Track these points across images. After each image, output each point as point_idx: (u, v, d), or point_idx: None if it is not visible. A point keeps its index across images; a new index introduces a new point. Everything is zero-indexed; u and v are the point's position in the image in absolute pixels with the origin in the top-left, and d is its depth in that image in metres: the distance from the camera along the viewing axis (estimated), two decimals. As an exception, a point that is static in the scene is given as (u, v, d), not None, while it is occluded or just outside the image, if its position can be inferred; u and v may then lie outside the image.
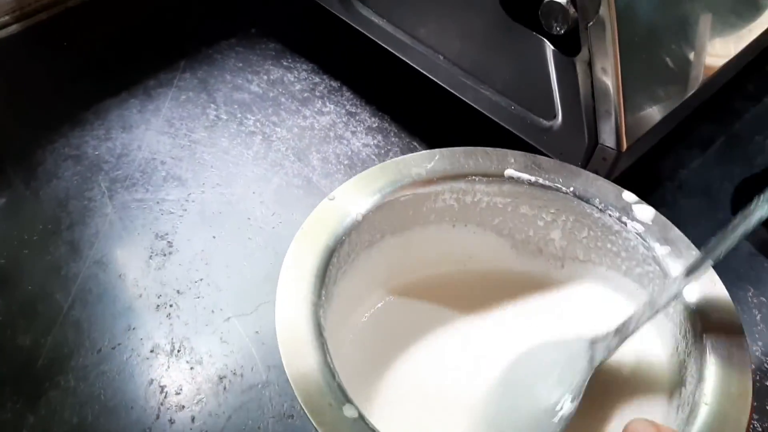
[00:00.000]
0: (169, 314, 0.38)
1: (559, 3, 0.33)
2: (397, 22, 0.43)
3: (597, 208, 0.34)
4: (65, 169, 0.43)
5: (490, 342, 0.35)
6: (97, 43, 0.51)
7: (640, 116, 0.37)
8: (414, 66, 0.44)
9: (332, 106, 0.49)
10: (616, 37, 0.33)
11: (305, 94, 0.49)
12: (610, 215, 0.33)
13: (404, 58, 0.44)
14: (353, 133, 0.47)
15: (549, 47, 0.36)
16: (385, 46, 0.45)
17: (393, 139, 0.47)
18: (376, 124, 0.48)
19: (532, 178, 0.34)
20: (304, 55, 0.52)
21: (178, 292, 0.39)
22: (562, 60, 0.36)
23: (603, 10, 0.33)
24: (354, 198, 0.34)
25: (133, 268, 0.39)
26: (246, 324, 0.37)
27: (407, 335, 0.35)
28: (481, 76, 0.40)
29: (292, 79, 0.50)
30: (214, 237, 0.41)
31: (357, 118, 0.48)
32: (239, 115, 0.48)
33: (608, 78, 0.34)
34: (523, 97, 0.39)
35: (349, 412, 0.26)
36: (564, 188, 0.34)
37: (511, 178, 0.35)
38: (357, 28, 0.46)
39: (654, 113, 0.39)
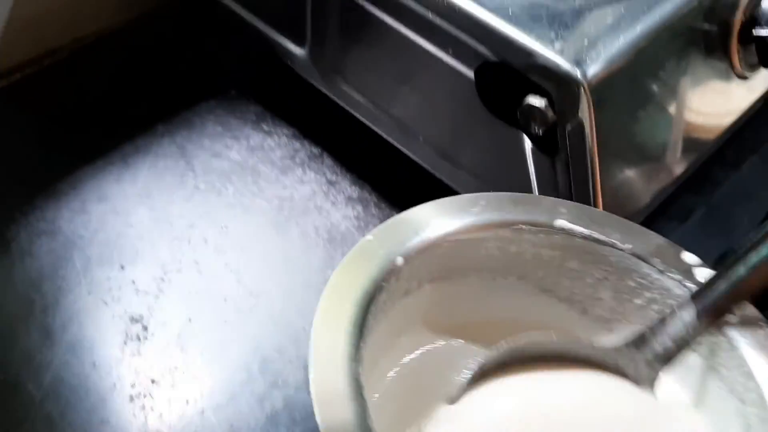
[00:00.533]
0: (143, 405, 0.37)
1: (537, 107, 0.33)
2: (377, 102, 0.43)
3: (657, 268, 0.31)
4: (39, 246, 0.43)
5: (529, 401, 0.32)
6: (74, 105, 0.51)
7: (619, 209, 0.37)
8: (393, 143, 0.44)
9: (312, 174, 0.48)
10: (595, 141, 0.33)
11: (286, 161, 0.49)
12: (671, 277, 0.31)
13: (384, 135, 0.44)
14: (333, 203, 0.47)
15: (528, 143, 0.36)
16: (366, 122, 0.45)
17: (373, 210, 0.47)
18: (356, 194, 0.47)
19: (586, 232, 0.32)
20: (284, 118, 0.51)
21: (152, 381, 0.38)
22: (540, 157, 0.35)
23: (582, 114, 0.33)
24: (394, 240, 0.31)
25: (107, 355, 0.39)
26: (220, 416, 0.37)
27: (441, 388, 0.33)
28: (458, 160, 0.40)
29: (273, 144, 0.50)
30: (189, 320, 0.40)
31: (337, 187, 0.48)
32: (218, 185, 0.47)
33: (588, 179, 0.34)
34: (501, 186, 0.39)
35: None
36: (620, 244, 0.32)
37: (562, 230, 0.32)
38: (338, 102, 0.45)
39: (635, 203, 0.39)
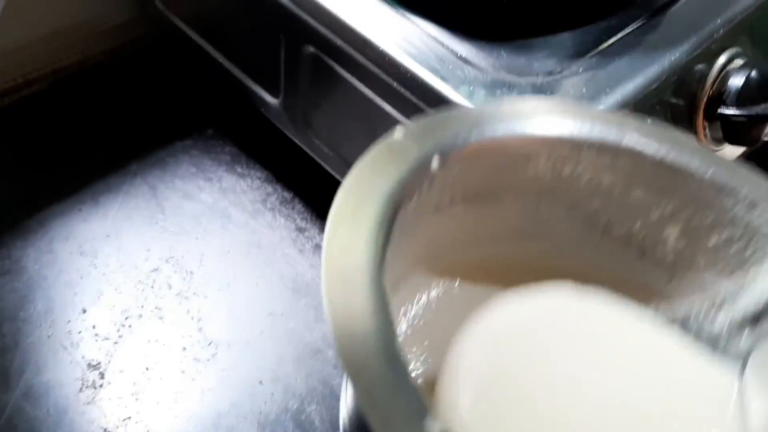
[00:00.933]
0: (94, 457, 0.37)
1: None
2: (345, 158, 0.43)
3: (744, 201, 0.26)
4: (2, 284, 0.43)
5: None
6: (48, 139, 0.51)
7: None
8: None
9: (282, 220, 0.48)
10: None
11: (257, 205, 0.49)
12: (761, 214, 0.26)
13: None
14: (301, 251, 0.47)
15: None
16: (336, 176, 0.45)
17: (340, 260, 0.47)
18: (325, 243, 0.48)
19: (660, 154, 0.26)
20: (260, 161, 0.52)
21: (104, 431, 0.38)
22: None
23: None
24: (429, 140, 0.25)
25: (61, 403, 0.39)
26: (170, 471, 0.37)
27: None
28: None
29: (245, 187, 0.50)
30: (147, 369, 0.41)
31: (306, 234, 0.48)
32: (187, 228, 0.47)
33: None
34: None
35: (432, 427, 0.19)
36: (700, 172, 0.26)
37: (630, 150, 0.26)
38: (310, 153, 0.46)
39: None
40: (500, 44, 0.36)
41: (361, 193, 0.23)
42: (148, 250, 0.46)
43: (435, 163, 0.25)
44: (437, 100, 0.34)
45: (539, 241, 0.29)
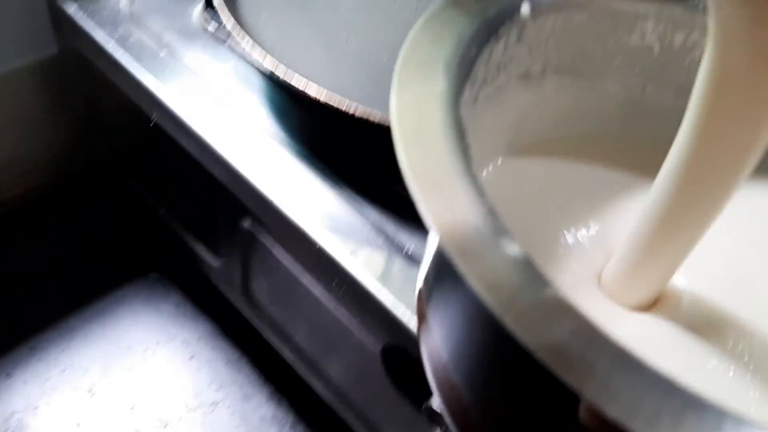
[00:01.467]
0: None
1: (437, 411, 0.29)
2: (286, 336, 0.39)
3: None
4: None
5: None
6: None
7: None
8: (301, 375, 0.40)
9: (227, 389, 0.44)
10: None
11: (200, 364, 0.45)
12: None
13: (290, 363, 0.40)
14: (244, 422, 0.43)
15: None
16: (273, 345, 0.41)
17: (287, 433, 0.43)
18: (271, 413, 0.44)
19: None
20: (206, 310, 0.48)
21: None
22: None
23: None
24: None
25: None
26: None
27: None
28: (364, 413, 0.37)
29: (190, 340, 0.46)
30: None
31: (252, 402, 0.44)
32: (123, 396, 0.43)
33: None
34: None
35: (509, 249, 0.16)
36: None
37: None
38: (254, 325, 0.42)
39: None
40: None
41: (441, 28, 0.20)
42: (78, 425, 0.42)
43: (526, 9, 0.22)
44: (381, 313, 0.31)
45: (642, 127, 0.25)
